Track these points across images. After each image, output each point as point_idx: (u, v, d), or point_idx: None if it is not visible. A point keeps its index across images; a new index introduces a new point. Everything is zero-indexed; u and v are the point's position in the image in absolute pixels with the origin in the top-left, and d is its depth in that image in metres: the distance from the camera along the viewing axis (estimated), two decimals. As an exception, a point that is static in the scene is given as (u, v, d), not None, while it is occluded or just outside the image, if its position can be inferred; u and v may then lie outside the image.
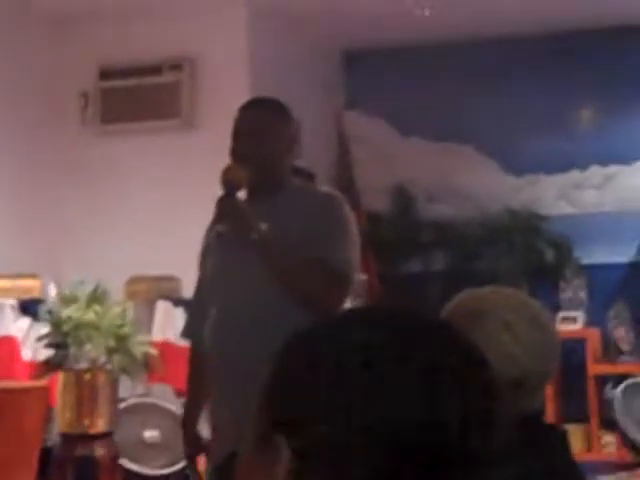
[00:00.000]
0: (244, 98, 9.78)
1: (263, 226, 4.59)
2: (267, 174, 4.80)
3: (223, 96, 9.92)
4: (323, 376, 1.47)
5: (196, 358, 5.20)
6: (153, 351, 8.78)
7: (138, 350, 8.57)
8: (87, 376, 8.30)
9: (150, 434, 9.06)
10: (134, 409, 9.04)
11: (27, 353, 8.96)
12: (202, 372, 5.18)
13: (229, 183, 4.81)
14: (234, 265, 4.72)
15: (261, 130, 4.83)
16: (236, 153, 4.86)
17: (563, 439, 3.11)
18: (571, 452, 3.13)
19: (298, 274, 4.54)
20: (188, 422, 5.44)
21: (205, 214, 9.60)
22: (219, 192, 9.61)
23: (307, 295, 4.44)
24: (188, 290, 9.66)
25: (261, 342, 3.62)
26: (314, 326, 1.58)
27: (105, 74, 10.13)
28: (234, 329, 4.54)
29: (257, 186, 4.81)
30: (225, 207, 4.79)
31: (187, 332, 5.33)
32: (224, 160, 9.63)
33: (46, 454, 7.83)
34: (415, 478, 1.46)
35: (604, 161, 10.92)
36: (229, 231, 4.71)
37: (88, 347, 8.36)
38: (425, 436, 1.46)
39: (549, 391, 10.20)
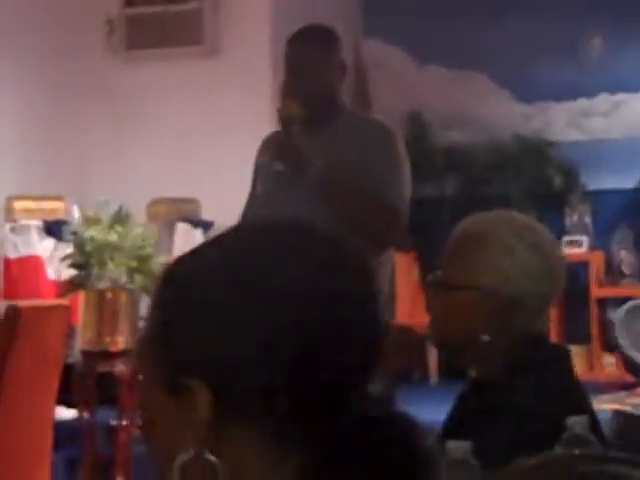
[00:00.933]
0: (266, 25, 9.98)
1: (319, 162, 4.53)
2: (323, 106, 4.73)
3: (246, 23, 9.98)
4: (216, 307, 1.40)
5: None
6: (172, 270, 8.94)
7: (159, 270, 8.70)
8: (109, 295, 8.33)
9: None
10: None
11: (51, 272, 9.07)
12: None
13: (286, 119, 4.68)
14: (290, 201, 4.50)
15: (314, 65, 4.75)
16: (291, 89, 4.77)
17: (567, 357, 3.14)
18: (574, 369, 3.15)
19: (354, 211, 4.50)
20: None
21: (226, 138, 9.80)
22: (238, 117, 9.78)
23: (362, 231, 4.27)
24: (207, 212, 9.83)
25: None
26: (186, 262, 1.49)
27: (130, 1, 10.18)
28: None
29: (313, 118, 4.69)
30: (284, 144, 4.65)
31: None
32: (247, 88, 9.82)
33: (68, 370, 7.96)
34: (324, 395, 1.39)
35: (612, 89, 10.88)
36: (287, 169, 4.61)
37: (110, 267, 8.41)
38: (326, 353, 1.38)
39: (553, 313, 10.28)
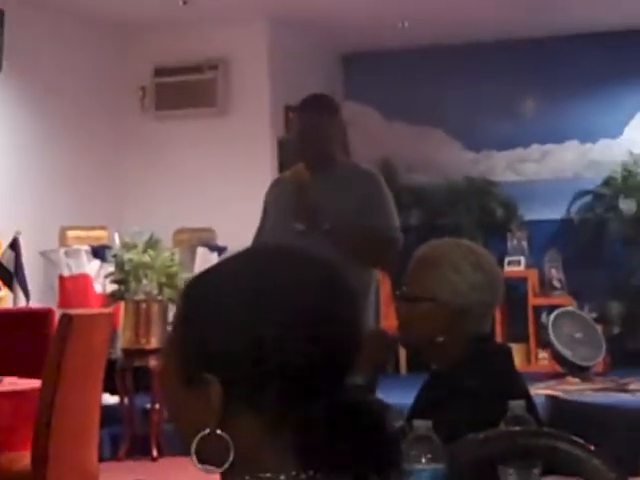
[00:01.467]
0: (266, 92, 9.98)
1: (329, 220, 4.43)
2: (326, 162, 4.64)
3: (249, 90, 10.01)
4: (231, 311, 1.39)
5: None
6: (194, 285, 8.92)
7: (182, 285, 8.69)
8: (143, 305, 8.31)
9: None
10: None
11: (98, 287, 9.05)
12: None
13: (300, 184, 4.57)
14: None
15: (319, 130, 4.64)
16: (301, 152, 4.69)
17: (508, 352, 3.16)
18: (514, 363, 3.15)
19: (367, 247, 4.43)
20: None
21: (235, 179, 9.79)
22: (245, 162, 9.77)
23: (367, 261, 4.34)
24: (221, 239, 9.81)
25: None
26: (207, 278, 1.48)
27: (159, 72, 10.16)
28: None
29: (318, 168, 4.61)
30: (302, 206, 4.51)
31: None
32: (251, 139, 9.83)
33: (111, 365, 7.93)
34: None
35: (542, 141, 10.93)
36: (306, 228, 4.47)
37: (144, 283, 8.43)
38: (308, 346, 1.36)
39: (498, 318, 10.28)
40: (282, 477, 1.33)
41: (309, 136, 4.66)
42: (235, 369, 1.35)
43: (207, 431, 1.34)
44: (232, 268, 1.49)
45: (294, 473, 1.33)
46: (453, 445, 2.23)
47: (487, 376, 2.78)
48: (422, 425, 2.07)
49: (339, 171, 4.68)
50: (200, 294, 1.44)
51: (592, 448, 2.17)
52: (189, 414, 1.39)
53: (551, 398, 3.32)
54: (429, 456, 2.05)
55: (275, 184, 5.08)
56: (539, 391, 8.78)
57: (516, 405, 2.29)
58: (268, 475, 1.33)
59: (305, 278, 1.43)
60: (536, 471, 2.21)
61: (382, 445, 1.37)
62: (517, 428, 2.26)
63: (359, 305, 1.49)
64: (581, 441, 2.20)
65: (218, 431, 1.34)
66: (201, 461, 1.37)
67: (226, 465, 1.34)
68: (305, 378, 1.35)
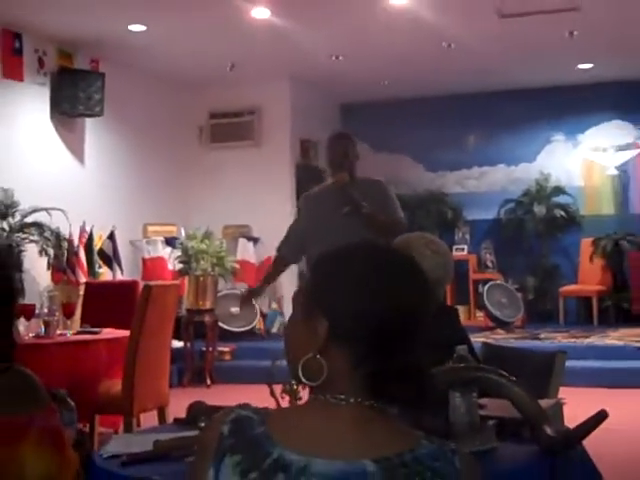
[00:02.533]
0: (287, 130, 9.97)
1: (366, 205, 4.39)
2: (352, 171, 4.57)
3: (274, 129, 9.99)
4: (340, 283, 1.34)
5: (277, 262, 5.06)
6: (237, 266, 8.89)
7: (229, 265, 8.65)
8: (201, 279, 8.35)
9: (234, 309, 9.15)
10: (226, 296, 9.04)
11: (170, 266, 9.07)
12: (277, 271, 5.11)
13: (343, 184, 4.47)
14: (351, 227, 4.27)
15: (347, 149, 4.61)
16: (340, 165, 4.58)
17: (455, 312, 3.19)
18: (460, 319, 3.18)
19: (387, 225, 4.34)
20: (248, 291, 5.49)
21: (265, 190, 9.80)
22: (272, 179, 9.77)
23: (390, 234, 3.99)
24: (256, 232, 9.82)
25: None
26: (332, 252, 1.40)
27: (213, 116, 10.14)
28: None
29: (348, 179, 4.53)
30: (347, 198, 4.42)
31: (278, 249, 5.01)
32: (277, 165, 9.84)
33: (178, 320, 7.94)
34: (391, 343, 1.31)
35: (480, 164, 10.91)
36: (351, 209, 4.40)
37: (202, 263, 8.44)
38: (395, 319, 1.31)
39: (450, 288, 10.29)
40: (352, 400, 1.28)
41: (343, 153, 4.62)
42: (339, 317, 1.30)
43: (311, 354, 1.31)
44: (345, 253, 1.39)
45: (359, 400, 1.29)
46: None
47: (442, 329, 2.73)
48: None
49: (360, 180, 4.62)
50: (325, 264, 1.39)
51: (513, 378, 2.16)
52: (302, 340, 1.34)
53: (485, 344, 3.28)
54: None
55: (306, 197, 5.05)
56: (478, 339, 8.83)
57: (460, 349, 2.28)
58: (342, 397, 1.29)
59: (389, 266, 1.36)
60: (474, 394, 2.21)
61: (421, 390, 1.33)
62: (461, 365, 2.25)
63: (425, 289, 1.40)
64: (506, 374, 2.19)
65: (318, 356, 1.30)
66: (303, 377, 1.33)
67: (319, 382, 1.30)
68: (380, 339, 1.29)
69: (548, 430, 2.02)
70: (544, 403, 2.23)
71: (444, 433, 2.11)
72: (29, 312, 5.39)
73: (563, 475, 1.97)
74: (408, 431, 1.30)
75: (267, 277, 5.24)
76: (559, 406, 2.39)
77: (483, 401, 2.32)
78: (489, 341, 8.63)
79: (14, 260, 1.96)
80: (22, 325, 5.32)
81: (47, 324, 5.16)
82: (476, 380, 2.17)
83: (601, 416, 2.05)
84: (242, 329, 9.11)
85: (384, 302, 1.31)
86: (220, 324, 8.68)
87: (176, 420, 2.62)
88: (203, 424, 2.17)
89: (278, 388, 2.59)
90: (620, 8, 7.37)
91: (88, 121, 8.62)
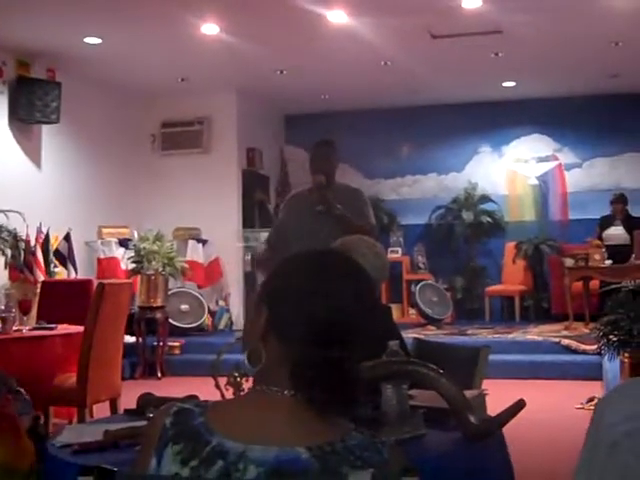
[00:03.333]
0: (234, 139, 9.92)
1: (339, 206, 4.37)
2: (330, 176, 4.53)
3: (222, 138, 9.95)
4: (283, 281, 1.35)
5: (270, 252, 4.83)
6: (186, 265, 8.82)
7: (179, 265, 8.56)
8: (152, 278, 8.27)
9: (184, 307, 9.10)
10: (176, 294, 9.01)
11: (123, 266, 8.97)
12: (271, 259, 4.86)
13: (319, 184, 4.44)
14: (323, 226, 4.28)
15: (328, 155, 4.61)
16: (319, 168, 4.53)
17: (389, 311, 3.23)
18: (392, 316, 3.22)
19: (359, 228, 4.09)
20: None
21: (213, 195, 9.75)
22: (220, 184, 9.72)
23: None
24: (205, 235, 9.76)
25: None
26: (289, 258, 1.41)
27: (164, 125, 10.05)
28: None
29: (326, 183, 4.49)
30: (322, 197, 4.39)
31: (268, 243, 4.87)
32: (225, 171, 9.80)
33: (131, 316, 7.85)
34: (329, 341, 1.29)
35: (413, 173, 10.98)
36: (323, 209, 4.38)
37: (153, 263, 8.35)
38: (333, 318, 1.30)
39: (385, 287, 10.33)
40: (285, 392, 1.28)
41: (324, 158, 4.60)
42: (275, 309, 1.32)
43: (255, 343, 1.33)
44: (296, 254, 1.42)
45: (292, 392, 1.28)
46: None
47: (375, 325, 2.76)
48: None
49: (338, 186, 4.61)
50: (276, 270, 1.39)
51: (441, 371, 2.19)
52: (252, 327, 1.35)
53: (416, 339, 3.30)
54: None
55: (292, 197, 4.97)
56: (410, 334, 8.89)
57: (392, 344, 2.29)
58: (276, 389, 1.29)
59: (325, 267, 1.36)
60: (405, 386, 2.23)
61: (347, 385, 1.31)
62: (393, 359, 2.27)
63: (359, 290, 1.36)
64: (434, 366, 2.22)
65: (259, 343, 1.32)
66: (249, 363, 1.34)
67: (257, 368, 1.31)
68: (311, 334, 1.29)
69: (472, 418, 2.05)
70: (468, 394, 2.26)
71: (376, 421, 2.14)
72: (-14, 309, 5.29)
73: (480, 460, 2.00)
74: (339, 423, 1.30)
75: None
76: (482, 397, 2.43)
77: (413, 392, 2.35)
78: (420, 337, 8.75)
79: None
80: (-21, 321, 5.23)
81: (4, 320, 5.07)
82: (407, 373, 2.19)
83: (519, 405, 2.09)
84: (191, 325, 9.06)
85: (317, 300, 1.30)
86: (170, 320, 8.61)
87: (126, 411, 2.60)
88: (151, 414, 2.16)
89: (223, 380, 2.59)
90: (539, 33, 7.51)
91: (45, 128, 8.48)
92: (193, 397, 2.45)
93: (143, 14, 6.94)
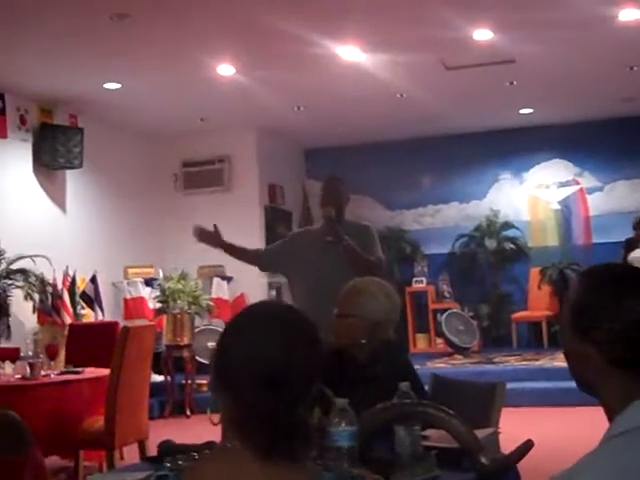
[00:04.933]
0: (255, 176, 10.02)
1: (347, 237, 4.35)
2: (340, 212, 4.52)
3: (244, 175, 10.03)
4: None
5: (251, 252, 4.97)
6: (212, 303, 8.87)
7: (204, 303, 8.63)
8: (178, 316, 8.33)
9: (211, 344, 9.13)
10: (203, 332, 9.01)
11: (150, 305, 9.05)
12: (243, 252, 4.97)
13: (329, 217, 4.45)
14: (332, 257, 4.32)
15: (338, 190, 4.59)
16: (329, 202, 4.52)
17: (403, 348, 3.27)
18: (407, 354, 3.22)
19: (366, 261, 4.28)
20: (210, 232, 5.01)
21: (238, 233, 9.75)
22: (243, 221, 9.82)
23: (369, 271, 4.03)
24: (229, 272, 9.79)
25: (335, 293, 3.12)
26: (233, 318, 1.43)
27: (185, 164, 10.15)
28: (326, 285, 3.88)
29: (335, 218, 4.48)
30: (331, 228, 4.39)
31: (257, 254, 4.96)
32: (247, 208, 9.88)
33: (158, 355, 7.91)
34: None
35: (434, 202, 11.00)
36: (333, 239, 4.36)
37: (179, 302, 8.42)
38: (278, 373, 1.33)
39: (410, 318, 10.34)
40: (235, 443, 1.32)
41: (335, 192, 4.60)
42: (219, 364, 1.36)
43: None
44: (244, 312, 1.44)
45: (239, 442, 1.32)
46: (364, 413, 2.27)
47: (387, 366, 2.78)
48: (342, 402, 2.11)
49: (348, 222, 4.58)
50: (225, 326, 1.43)
51: (451, 412, 2.22)
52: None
53: (434, 376, 3.32)
54: (346, 422, 2.10)
55: (300, 231, 5.07)
56: (437, 364, 8.89)
57: (403, 385, 2.31)
58: (231, 444, 1.33)
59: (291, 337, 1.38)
60: (417, 428, 2.26)
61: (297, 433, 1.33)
62: (405, 400, 2.30)
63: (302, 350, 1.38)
64: (444, 408, 2.24)
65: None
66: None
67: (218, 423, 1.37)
68: (246, 385, 1.33)
69: (483, 459, 2.08)
70: (480, 433, 2.28)
71: (390, 463, 2.17)
72: (14, 355, 5.39)
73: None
74: (309, 466, 1.33)
75: (234, 246, 5.05)
76: (495, 435, 2.45)
77: (428, 432, 2.37)
78: (447, 366, 8.74)
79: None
80: (9, 367, 5.33)
81: (32, 366, 5.16)
82: (417, 414, 2.22)
83: (528, 446, 2.11)
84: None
85: (250, 348, 1.34)
86: (198, 358, 8.65)
87: (147, 458, 2.64)
88: (168, 464, 2.20)
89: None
90: (552, 60, 7.56)
91: (69, 173, 8.63)
92: (211, 443, 2.49)
93: (159, 58, 7.08)
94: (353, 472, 1.34)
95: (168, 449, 2.48)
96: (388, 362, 2.83)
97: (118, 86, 7.90)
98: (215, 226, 4.85)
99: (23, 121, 8.13)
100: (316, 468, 1.33)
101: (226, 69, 7.50)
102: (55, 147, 8.21)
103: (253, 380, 1.32)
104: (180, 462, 1.36)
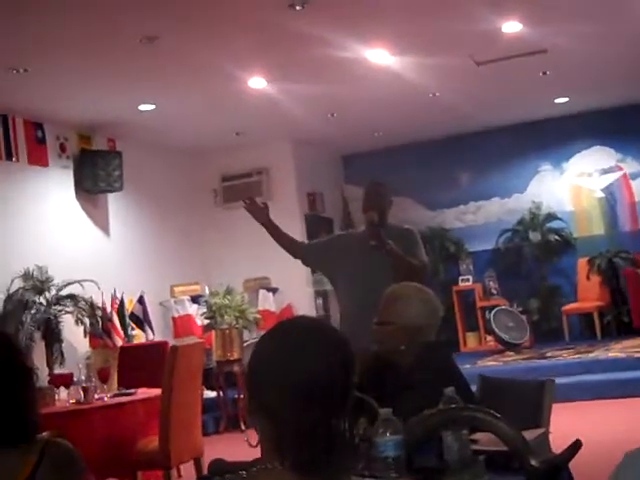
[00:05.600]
0: (293, 185, 10.04)
1: (391, 242, 4.34)
2: (383, 217, 4.52)
3: (282, 186, 10.07)
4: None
5: (294, 241, 5.08)
6: (258, 316, 8.90)
7: (251, 316, 8.66)
8: (227, 332, 8.37)
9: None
10: (251, 345, 9.04)
11: (198, 321, 9.10)
12: (286, 238, 5.11)
13: (372, 221, 4.45)
14: (375, 260, 4.33)
15: (380, 195, 4.60)
16: (371, 207, 4.54)
17: (447, 352, 3.21)
18: (451, 357, 3.12)
19: (409, 265, 4.28)
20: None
21: (279, 245, 9.79)
22: (284, 231, 9.83)
23: (413, 274, 4.07)
24: (275, 283, 9.84)
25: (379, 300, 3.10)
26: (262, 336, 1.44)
27: (224, 179, 10.22)
28: (370, 292, 3.67)
29: (378, 222, 4.48)
30: (374, 233, 4.38)
31: (303, 245, 5.11)
32: (287, 218, 9.85)
33: (209, 371, 7.97)
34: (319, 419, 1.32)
35: (475, 199, 10.93)
36: (376, 244, 4.36)
37: (226, 317, 8.47)
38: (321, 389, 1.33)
39: (459, 317, 10.26)
40: (276, 464, 1.32)
41: (376, 196, 4.61)
42: (254, 387, 1.37)
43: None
44: (268, 334, 1.44)
45: (282, 463, 1.32)
46: (410, 421, 2.25)
47: (431, 371, 2.74)
48: (386, 411, 2.10)
49: (391, 226, 4.58)
50: (256, 344, 1.43)
51: (497, 415, 2.19)
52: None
53: (482, 377, 3.28)
54: (391, 431, 2.09)
55: (343, 233, 5.23)
56: (487, 362, 8.82)
57: (448, 391, 2.30)
58: (270, 466, 1.33)
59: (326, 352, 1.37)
60: (465, 432, 2.24)
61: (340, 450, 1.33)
62: (451, 406, 2.28)
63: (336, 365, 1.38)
64: (491, 411, 2.22)
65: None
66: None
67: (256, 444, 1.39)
68: (284, 406, 1.33)
69: (532, 461, 2.05)
70: (529, 434, 2.26)
71: (439, 470, 2.16)
72: (68, 380, 5.47)
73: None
74: None
75: (278, 228, 5.13)
76: (545, 436, 2.42)
77: (477, 436, 2.36)
78: (499, 363, 8.65)
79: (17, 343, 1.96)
80: (63, 393, 5.41)
81: (85, 390, 5.23)
82: (464, 419, 2.20)
83: (576, 445, 2.08)
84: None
85: (285, 367, 1.34)
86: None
87: (199, 478, 2.66)
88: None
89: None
90: (585, 47, 7.45)
91: (110, 196, 8.76)
92: (258, 461, 2.50)
93: (191, 75, 7.14)
94: None
95: (218, 468, 2.49)
96: (432, 367, 2.80)
97: (152, 107, 7.99)
98: (265, 203, 4.97)
99: (63, 149, 8.27)
100: None
101: (257, 82, 7.53)
102: (95, 172, 8.34)
103: (291, 396, 1.32)
104: None
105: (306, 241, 9.85)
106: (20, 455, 1.80)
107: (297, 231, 10.05)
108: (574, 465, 2.26)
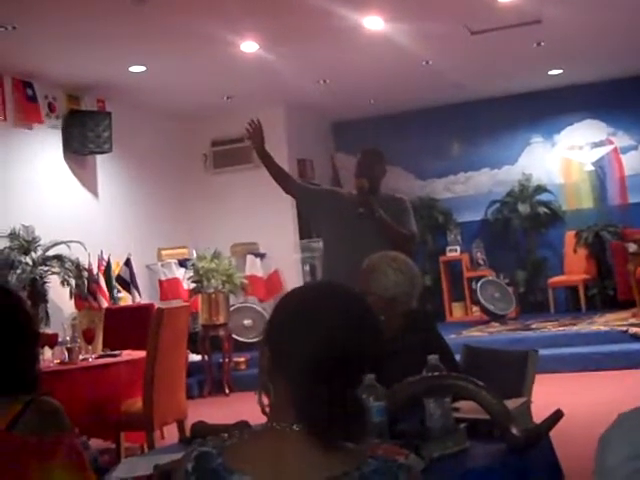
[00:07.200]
0: (285, 151, 9.97)
1: (380, 209, 4.35)
2: (375, 184, 4.51)
3: (272, 151, 9.87)
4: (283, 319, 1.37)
5: (285, 173, 5.08)
6: (245, 281, 8.91)
7: (238, 281, 8.65)
8: (213, 296, 8.36)
9: (247, 322, 9.18)
10: (238, 310, 9.09)
11: (184, 286, 9.11)
12: (279, 170, 5.08)
13: (361, 188, 4.45)
14: (364, 228, 4.33)
15: (373, 163, 4.59)
16: (362, 173, 4.53)
17: (429, 317, 3.22)
18: (434, 322, 3.16)
19: (398, 234, 4.29)
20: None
21: (267, 209, 9.79)
22: (272, 199, 9.80)
23: (401, 243, 4.12)
24: (263, 248, 9.84)
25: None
26: (286, 294, 1.43)
27: (214, 143, 10.19)
28: (356, 256, 3.46)
29: (370, 190, 4.47)
30: (363, 200, 4.39)
31: (297, 184, 5.05)
32: (275, 185, 9.72)
33: (194, 335, 7.98)
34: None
35: (465, 170, 10.89)
36: (365, 211, 4.37)
37: (212, 281, 8.47)
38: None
39: (445, 287, 10.30)
40: (294, 427, 1.30)
41: (369, 164, 4.60)
42: (276, 349, 1.35)
43: (264, 379, 1.37)
44: (295, 293, 1.43)
45: (300, 426, 1.30)
46: (393, 387, 2.26)
47: (414, 339, 2.75)
48: (368, 377, 2.10)
49: (382, 195, 4.59)
50: (279, 302, 1.41)
51: (480, 383, 2.19)
52: (261, 366, 1.38)
53: (466, 347, 3.29)
54: (374, 397, 2.09)
55: (337, 189, 5.21)
56: (474, 332, 8.86)
57: (432, 358, 2.30)
58: (284, 424, 1.31)
59: (326, 308, 1.36)
60: (447, 400, 2.24)
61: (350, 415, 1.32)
62: (435, 373, 2.28)
63: (363, 331, 1.37)
64: (474, 379, 2.22)
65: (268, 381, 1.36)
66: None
67: (268, 402, 1.35)
68: (312, 374, 1.31)
69: (513, 430, 2.06)
70: (511, 403, 2.26)
71: (421, 436, 2.16)
72: (53, 340, 5.46)
73: (525, 470, 2.00)
74: (355, 450, 1.32)
75: (272, 159, 5.11)
76: (526, 405, 2.43)
77: (459, 404, 2.36)
78: (483, 334, 8.69)
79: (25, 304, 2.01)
80: (48, 353, 5.40)
81: (70, 351, 5.23)
82: (446, 387, 2.20)
83: (557, 415, 2.09)
84: (255, 339, 9.14)
85: (313, 334, 1.32)
86: (234, 336, 8.71)
87: (181, 440, 2.67)
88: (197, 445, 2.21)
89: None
90: (581, 19, 7.41)
91: (99, 157, 8.69)
92: (243, 423, 2.51)
93: (182, 38, 7.06)
94: (399, 461, 1.31)
95: (200, 430, 2.49)
96: (415, 335, 2.82)
97: (143, 69, 7.91)
98: (259, 121, 4.99)
99: (52, 108, 8.18)
100: (362, 453, 1.32)
101: (250, 46, 7.46)
102: (84, 133, 8.26)
103: (319, 362, 1.30)
104: (225, 440, 1.36)
105: (295, 209, 9.89)
106: (8, 403, 1.87)
107: (287, 197, 9.92)
108: (555, 434, 2.27)
